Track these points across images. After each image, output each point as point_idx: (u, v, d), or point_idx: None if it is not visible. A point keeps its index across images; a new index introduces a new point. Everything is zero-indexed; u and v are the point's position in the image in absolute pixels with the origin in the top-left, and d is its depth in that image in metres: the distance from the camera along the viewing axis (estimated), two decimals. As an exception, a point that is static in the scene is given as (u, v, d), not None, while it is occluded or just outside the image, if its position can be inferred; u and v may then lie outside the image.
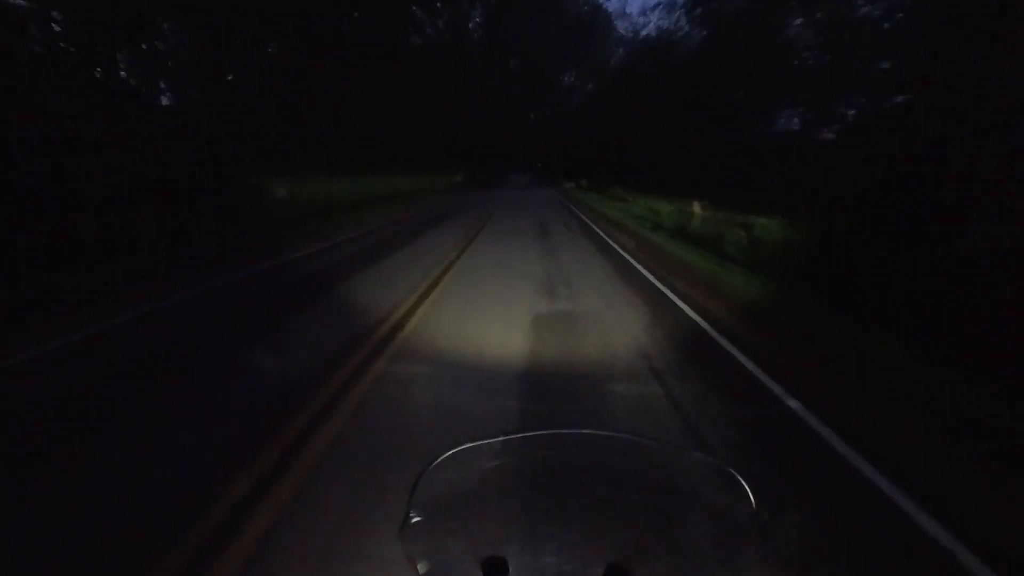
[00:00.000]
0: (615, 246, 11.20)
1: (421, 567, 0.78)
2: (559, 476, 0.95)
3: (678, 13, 21.42)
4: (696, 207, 14.00)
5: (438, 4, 31.87)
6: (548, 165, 58.27)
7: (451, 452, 0.89)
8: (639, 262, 9.28)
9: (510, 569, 0.76)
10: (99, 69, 9.82)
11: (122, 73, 10.29)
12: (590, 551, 0.85)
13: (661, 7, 25.10)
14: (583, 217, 17.62)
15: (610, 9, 49.33)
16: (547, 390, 3.86)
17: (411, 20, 26.70)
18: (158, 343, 4.84)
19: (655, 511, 0.93)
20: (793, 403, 3.76)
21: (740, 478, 0.86)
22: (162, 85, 12.23)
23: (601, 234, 13.20)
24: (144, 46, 10.08)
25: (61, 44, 9.21)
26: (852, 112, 10.72)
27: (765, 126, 14.94)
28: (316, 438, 3.13)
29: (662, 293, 7.00)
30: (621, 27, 44.52)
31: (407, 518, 0.81)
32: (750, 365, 4.49)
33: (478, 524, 0.88)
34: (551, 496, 0.93)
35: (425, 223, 14.99)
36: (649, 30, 27.31)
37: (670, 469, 0.99)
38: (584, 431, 0.97)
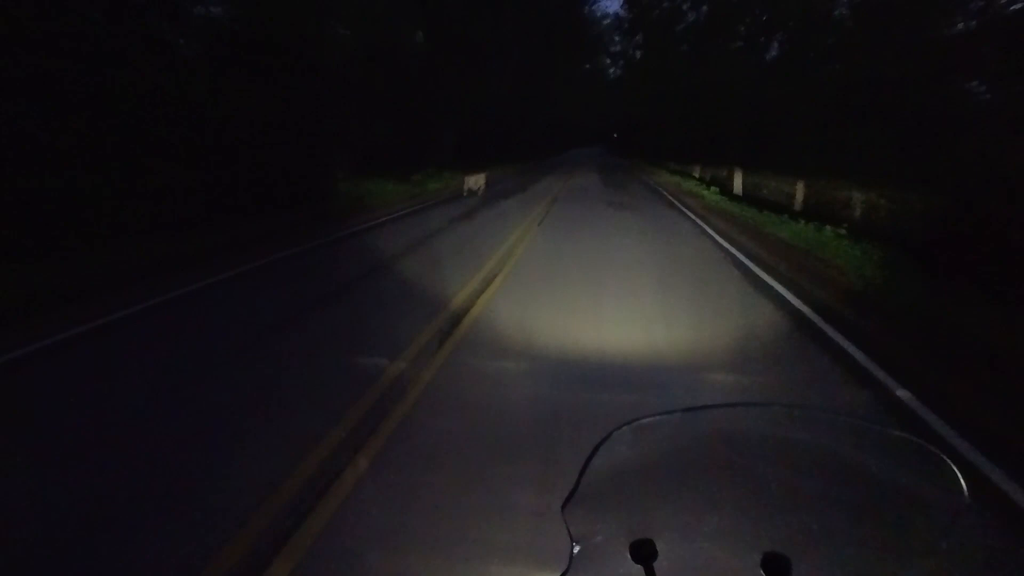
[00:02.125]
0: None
1: (576, 546, 0.74)
2: (732, 454, 0.84)
3: None
4: None
5: None
6: (627, 137, 49.65)
7: (624, 427, 0.82)
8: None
9: (659, 553, 0.71)
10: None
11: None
12: (748, 536, 0.75)
13: None
14: None
15: None
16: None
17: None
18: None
19: (833, 495, 0.79)
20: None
21: (951, 463, 0.72)
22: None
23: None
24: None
25: None
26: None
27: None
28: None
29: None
30: None
31: (572, 494, 0.76)
32: None
33: (635, 504, 0.80)
34: (714, 474, 0.81)
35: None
36: None
37: (862, 449, 0.83)
38: (769, 404, 0.90)
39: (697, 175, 22.18)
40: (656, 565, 0.70)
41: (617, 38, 44.87)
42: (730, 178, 17.34)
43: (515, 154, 35.95)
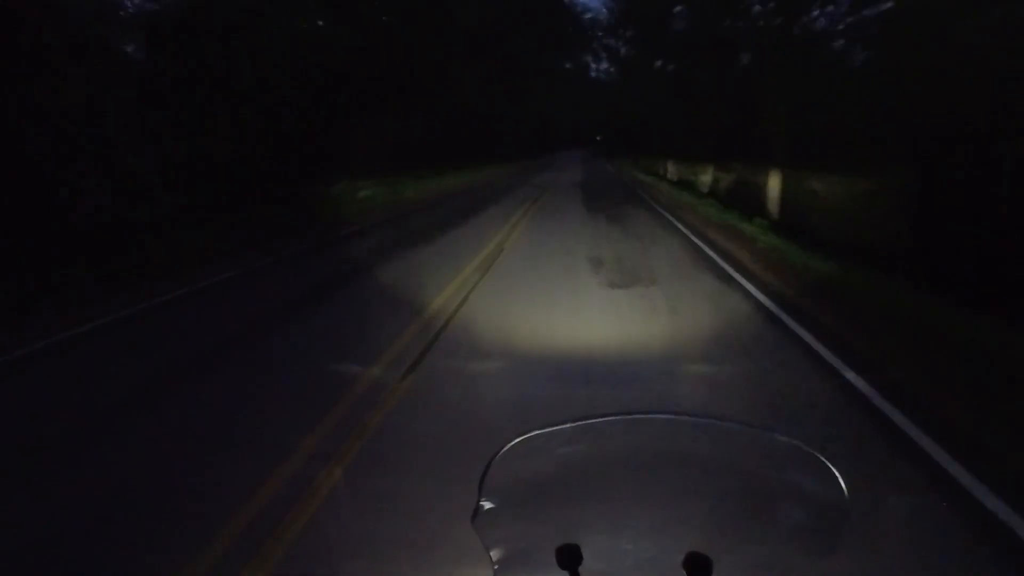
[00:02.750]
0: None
1: (495, 554, 0.76)
2: (637, 461, 0.89)
3: None
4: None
5: None
6: (613, 139, 44.86)
7: (521, 438, 0.83)
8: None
9: (585, 556, 0.74)
10: None
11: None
12: (668, 538, 0.81)
13: None
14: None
15: None
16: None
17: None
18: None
19: (738, 497, 0.85)
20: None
21: (830, 464, 0.79)
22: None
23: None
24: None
25: None
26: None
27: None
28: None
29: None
30: None
31: (478, 505, 0.78)
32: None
33: (552, 511, 0.83)
34: (628, 482, 0.87)
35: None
36: None
37: (754, 453, 0.90)
38: (663, 415, 0.94)
39: (707, 187, 16.30)
40: (581, 569, 0.72)
41: (600, 34, 39.49)
42: (751, 184, 11.54)
43: (489, 158, 31.24)
